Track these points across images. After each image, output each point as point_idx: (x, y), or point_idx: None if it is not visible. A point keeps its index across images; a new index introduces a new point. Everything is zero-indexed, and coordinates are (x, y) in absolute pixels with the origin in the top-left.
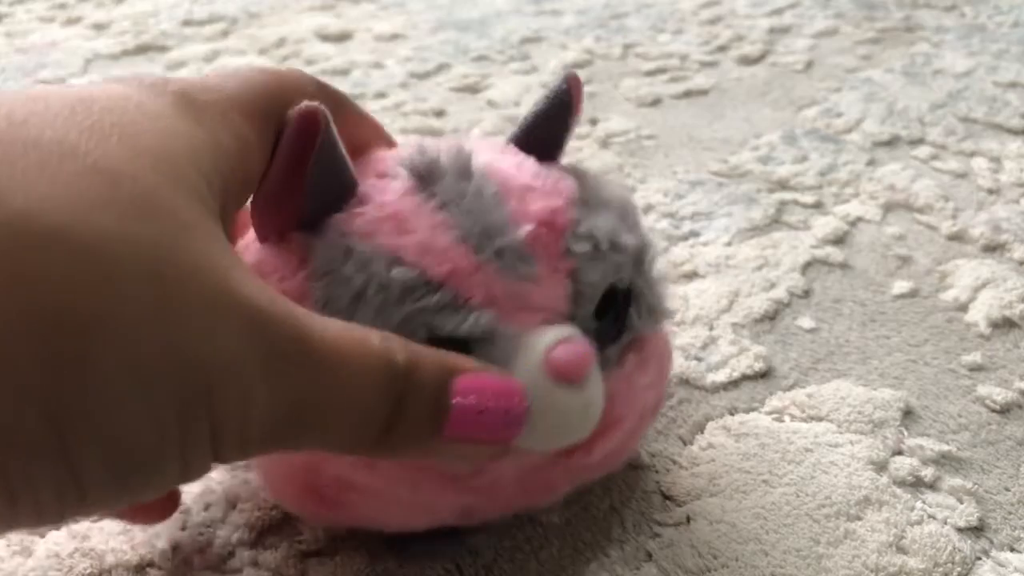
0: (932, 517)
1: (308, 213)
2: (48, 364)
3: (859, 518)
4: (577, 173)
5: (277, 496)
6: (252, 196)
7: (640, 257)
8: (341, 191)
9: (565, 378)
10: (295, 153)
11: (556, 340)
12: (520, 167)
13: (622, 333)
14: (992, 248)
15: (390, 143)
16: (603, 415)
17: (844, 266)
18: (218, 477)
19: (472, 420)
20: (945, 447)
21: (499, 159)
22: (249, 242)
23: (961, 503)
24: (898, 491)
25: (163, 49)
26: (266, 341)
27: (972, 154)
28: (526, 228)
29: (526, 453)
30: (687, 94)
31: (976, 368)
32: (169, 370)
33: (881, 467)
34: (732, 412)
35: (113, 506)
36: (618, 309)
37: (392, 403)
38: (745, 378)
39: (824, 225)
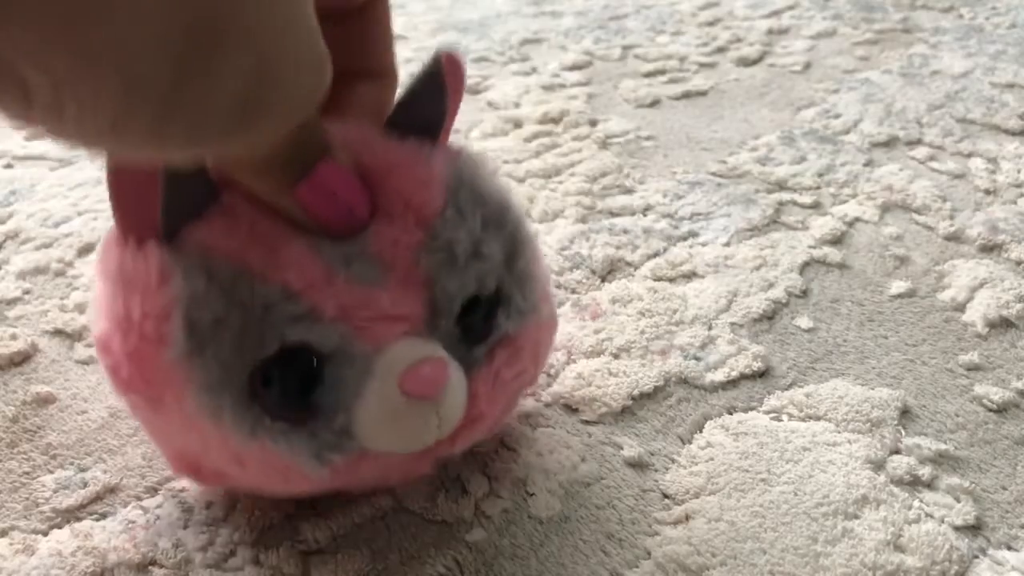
0: (929, 516)
1: (164, 221)
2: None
3: (857, 517)
4: (456, 161)
5: (168, 464)
6: (111, 188)
7: (511, 260)
8: (200, 198)
9: (418, 398)
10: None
11: (411, 362)
12: (388, 152)
13: (490, 334)
14: (989, 248)
15: None
16: (467, 411)
17: (842, 266)
18: None
19: (322, 196)
20: (942, 446)
21: (373, 151)
22: (111, 238)
23: (958, 502)
24: (896, 490)
25: None
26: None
27: (969, 155)
28: (374, 236)
29: (385, 453)
30: (686, 95)
31: (973, 368)
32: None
33: (879, 466)
34: (731, 411)
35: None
36: (490, 310)
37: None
38: (744, 377)
39: (822, 225)
